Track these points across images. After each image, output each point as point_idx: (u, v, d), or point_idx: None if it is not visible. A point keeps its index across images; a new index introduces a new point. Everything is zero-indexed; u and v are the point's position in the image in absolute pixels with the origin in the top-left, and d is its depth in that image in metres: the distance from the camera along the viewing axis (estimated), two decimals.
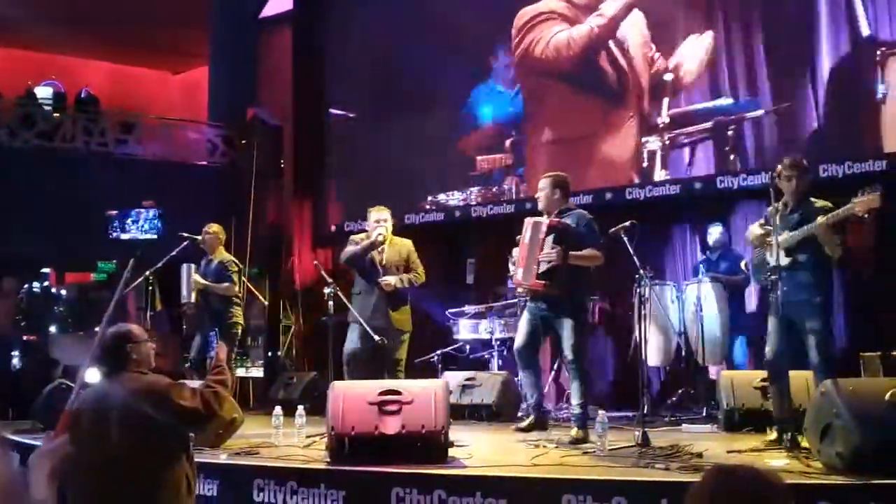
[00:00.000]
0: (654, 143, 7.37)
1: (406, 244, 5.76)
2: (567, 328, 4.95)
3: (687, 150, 7.25)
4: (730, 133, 6.95)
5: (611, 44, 7.74)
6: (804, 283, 4.39)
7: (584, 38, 7.92)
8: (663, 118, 7.31)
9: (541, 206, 5.20)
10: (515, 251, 5.22)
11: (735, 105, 6.95)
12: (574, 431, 4.85)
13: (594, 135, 7.78)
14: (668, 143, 7.30)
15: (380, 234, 5.56)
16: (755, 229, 4.69)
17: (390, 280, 5.54)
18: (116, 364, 3.11)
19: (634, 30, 7.63)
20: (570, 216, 5.11)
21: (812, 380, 4.48)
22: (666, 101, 7.32)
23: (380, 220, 5.66)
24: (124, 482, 2.87)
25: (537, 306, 5.11)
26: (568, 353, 4.97)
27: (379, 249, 5.63)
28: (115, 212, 5.95)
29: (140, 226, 5.87)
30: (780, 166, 4.58)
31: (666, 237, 7.45)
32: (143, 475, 2.90)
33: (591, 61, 7.86)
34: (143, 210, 5.82)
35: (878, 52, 6.28)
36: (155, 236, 5.73)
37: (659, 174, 7.34)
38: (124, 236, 5.82)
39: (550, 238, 4.94)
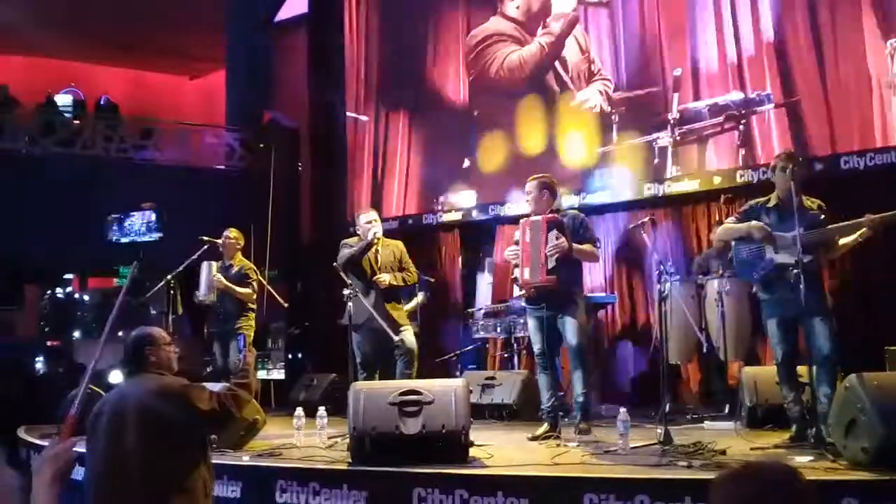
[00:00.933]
0: (664, 139, 7.33)
1: (398, 245, 5.83)
2: (569, 320, 5.01)
3: (696, 146, 7.20)
4: (741, 128, 6.90)
5: (556, 62, 8.08)
6: (816, 281, 4.37)
7: (535, 57, 8.23)
8: (673, 114, 7.27)
9: (530, 207, 5.25)
10: (509, 252, 5.25)
11: (745, 100, 6.90)
12: (578, 420, 4.96)
13: (548, 150, 8.04)
14: (678, 138, 7.25)
15: (375, 234, 5.60)
16: (733, 225, 4.64)
17: (385, 277, 5.58)
18: (136, 366, 3.16)
19: (572, 46, 8.00)
20: (566, 217, 5.18)
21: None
22: (675, 96, 7.28)
23: (370, 220, 5.71)
24: (141, 482, 2.87)
25: (538, 308, 5.11)
26: (571, 341, 5.01)
27: (374, 251, 5.67)
28: (115, 215, 5.98)
29: (138, 229, 5.88)
30: (775, 159, 4.58)
31: (686, 232, 7.40)
32: (160, 476, 2.90)
33: (541, 79, 8.18)
34: (141, 213, 5.84)
35: (889, 45, 6.21)
36: (154, 238, 5.75)
37: (670, 170, 7.29)
38: (124, 240, 5.84)
39: (552, 233, 5.00)
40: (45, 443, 5.33)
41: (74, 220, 9.04)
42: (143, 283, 6.59)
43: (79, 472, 4.06)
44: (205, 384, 3.23)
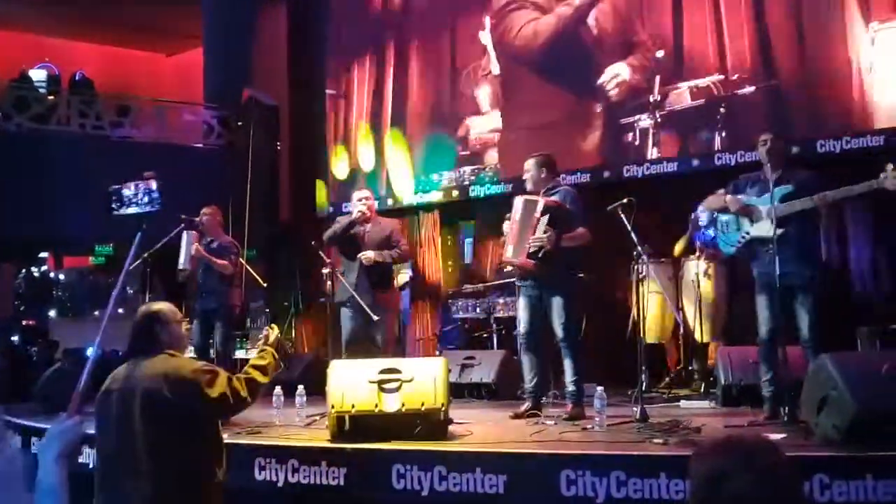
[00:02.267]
0: (645, 121, 7.35)
1: (391, 223, 5.83)
2: (557, 305, 4.92)
3: (678, 128, 7.22)
4: (721, 110, 6.93)
5: (580, 31, 7.80)
6: (797, 256, 4.39)
7: (551, 29, 8.00)
8: (655, 96, 7.28)
9: (529, 186, 5.19)
10: (506, 227, 5.18)
11: (726, 82, 6.92)
12: (569, 409, 4.88)
13: (564, 122, 7.86)
14: (659, 121, 7.27)
15: (359, 211, 5.59)
16: (717, 199, 4.71)
17: (370, 254, 5.58)
18: (145, 345, 3.01)
19: (605, 18, 7.67)
20: (558, 193, 5.09)
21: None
22: (657, 78, 7.29)
23: (361, 198, 5.70)
24: (149, 466, 2.80)
25: (528, 286, 5.06)
26: (559, 331, 4.93)
27: (364, 229, 5.65)
28: (116, 187, 5.90)
29: (140, 199, 5.79)
30: (763, 135, 4.64)
31: (664, 214, 7.44)
32: (168, 460, 2.82)
33: (557, 52, 7.96)
34: (143, 183, 5.75)
35: (869, 28, 6.26)
36: (156, 209, 5.68)
37: (651, 152, 7.32)
38: (129, 211, 5.76)
39: (545, 219, 4.90)
40: (22, 421, 5.30)
41: (49, 197, 8.94)
42: (139, 256, 6.47)
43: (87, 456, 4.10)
44: (217, 367, 3.06)
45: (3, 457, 1.68)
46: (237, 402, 3.01)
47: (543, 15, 8.09)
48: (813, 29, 6.54)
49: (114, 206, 5.86)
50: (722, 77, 6.93)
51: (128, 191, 6.01)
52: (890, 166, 4.13)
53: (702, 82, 7.04)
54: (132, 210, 5.92)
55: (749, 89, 6.79)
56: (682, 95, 7.17)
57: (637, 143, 7.39)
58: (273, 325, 3.61)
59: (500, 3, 8.39)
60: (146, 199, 5.86)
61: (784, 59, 6.68)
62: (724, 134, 6.94)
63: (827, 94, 6.47)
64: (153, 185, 5.87)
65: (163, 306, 3.13)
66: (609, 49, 7.66)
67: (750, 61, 6.81)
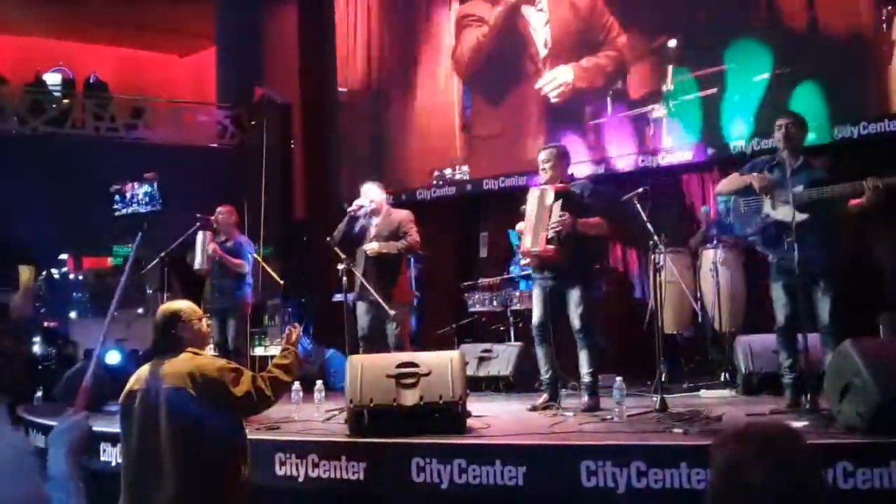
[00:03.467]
0: (658, 110, 7.30)
1: (401, 214, 5.74)
2: (574, 296, 4.91)
3: (692, 117, 7.16)
4: (736, 98, 6.86)
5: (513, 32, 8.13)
6: (818, 243, 4.31)
7: (491, 36, 8.33)
8: (668, 85, 7.23)
9: (544, 178, 5.15)
10: (520, 225, 5.17)
11: (739, 70, 6.85)
12: (585, 400, 4.87)
13: (513, 130, 8.16)
14: (672, 109, 7.22)
15: (357, 205, 5.57)
16: (735, 178, 4.63)
17: (374, 245, 5.54)
18: (168, 344, 3.01)
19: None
20: (576, 186, 5.10)
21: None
22: (670, 68, 7.23)
23: (365, 192, 5.69)
24: (174, 466, 2.81)
25: (544, 277, 5.04)
26: (575, 322, 4.91)
27: (372, 222, 5.64)
28: (117, 186, 5.97)
29: (140, 199, 5.86)
30: (779, 119, 4.54)
31: (681, 203, 7.40)
32: (193, 461, 2.83)
33: (495, 57, 8.30)
34: (143, 183, 5.83)
35: (885, 11, 6.17)
36: (156, 209, 5.74)
37: (666, 141, 7.28)
38: (128, 211, 5.84)
39: (558, 204, 4.89)
40: (44, 421, 5.35)
41: (67, 199, 9.00)
42: (139, 261, 6.56)
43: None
44: (240, 366, 3.08)
45: (16, 451, 1.70)
46: (261, 401, 3.03)
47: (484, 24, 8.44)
48: (826, 10, 6.45)
49: (116, 206, 5.94)
50: (737, 65, 6.87)
51: (129, 191, 6.07)
52: None
53: (717, 70, 6.98)
54: (133, 210, 5.98)
55: (765, 75, 6.72)
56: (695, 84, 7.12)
57: (652, 133, 7.34)
58: (296, 324, 3.62)
59: (455, 18, 8.72)
60: (147, 199, 5.92)
61: (799, 44, 6.60)
62: (740, 122, 6.88)
63: (843, 78, 6.38)
64: (154, 185, 5.93)
65: (183, 305, 3.14)
66: (555, 53, 7.90)
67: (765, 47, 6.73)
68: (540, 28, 8.02)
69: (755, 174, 4.53)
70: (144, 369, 3.02)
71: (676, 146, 7.20)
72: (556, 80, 7.93)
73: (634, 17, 7.55)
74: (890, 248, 6.20)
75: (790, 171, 4.30)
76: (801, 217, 4.22)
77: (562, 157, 5.14)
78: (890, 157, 5.75)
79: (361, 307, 5.63)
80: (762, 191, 4.48)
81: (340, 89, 9.76)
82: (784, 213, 4.36)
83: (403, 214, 5.75)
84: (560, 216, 4.84)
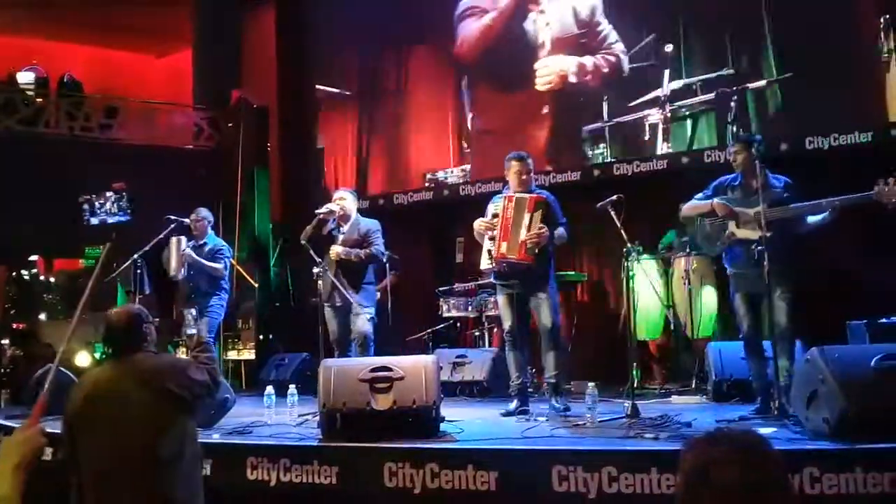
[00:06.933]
0: (654, 116, 7.35)
1: (368, 223, 5.76)
2: (544, 301, 5.05)
3: (689, 123, 7.22)
4: (732, 104, 6.92)
5: (516, 32, 8.02)
6: (781, 255, 4.41)
7: (494, 32, 8.23)
8: (664, 91, 7.28)
9: (514, 184, 5.22)
10: (480, 223, 5.16)
11: (737, 76, 6.92)
12: (552, 401, 5.00)
13: (516, 125, 8.08)
14: (669, 115, 7.27)
15: (327, 209, 5.58)
16: (697, 202, 4.75)
17: (337, 249, 5.55)
18: (130, 344, 3.01)
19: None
20: (544, 195, 5.20)
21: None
22: (666, 72, 7.28)
23: (336, 198, 5.70)
24: (145, 464, 2.78)
25: (510, 285, 5.12)
26: (546, 323, 5.04)
27: (340, 228, 5.66)
28: (87, 196, 5.88)
29: (108, 209, 5.78)
30: (730, 147, 4.73)
31: (659, 210, 7.45)
32: (165, 457, 2.80)
33: (496, 53, 8.21)
34: (111, 193, 5.75)
35: (882, 20, 6.27)
36: (125, 219, 5.67)
37: (661, 147, 7.32)
38: (94, 221, 5.76)
39: (538, 215, 4.97)
40: (12, 424, 5.27)
41: (39, 200, 8.88)
42: (110, 263, 6.49)
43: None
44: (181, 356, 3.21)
45: None
46: (216, 387, 3.21)
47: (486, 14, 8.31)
48: (822, 20, 6.51)
49: (84, 216, 5.87)
50: (732, 71, 6.92)
51: (98, 201, 5.99)
52: (885, 182, 4.16)
53: (712, 76, 7.02)
54: (103, 220, 5.91)
55: (760, 83, 6.78)
56: (692, 90, 7.16)
57: (647, 137, 7.37)
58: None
59: (458, 12, 8.58)
60: (116, 208, 5.85)
61: (796, 52, 6.64)
62: (735, 128, 6.88)
63: (837, 87, 6.40)
64: (123, 194, 5.86)
65: (140, 307, 3.22)
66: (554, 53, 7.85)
67: (761, 54, 6.79)
68: (542, 28, 7.97)
69: (716, 200, 4.65)
70: (103, 372, 2.98)
71: (672, 151, 7.23)
72: (548, 68, 7.89)
73: (631, 23, 7.59)
74: (858, 258, 6.29)
75: (752, 193, 4.46)
76: (768, 234, 4.32)
77: (531, 167, 5.25)
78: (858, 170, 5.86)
79: (329, 312, 5.64)
80: (725, 218, 4.63)
81: (319, 87, 9.69)
82: (747, 232, 4.50)
83: (371, 224, 5.78)
84: (539, 228, 4.94)
